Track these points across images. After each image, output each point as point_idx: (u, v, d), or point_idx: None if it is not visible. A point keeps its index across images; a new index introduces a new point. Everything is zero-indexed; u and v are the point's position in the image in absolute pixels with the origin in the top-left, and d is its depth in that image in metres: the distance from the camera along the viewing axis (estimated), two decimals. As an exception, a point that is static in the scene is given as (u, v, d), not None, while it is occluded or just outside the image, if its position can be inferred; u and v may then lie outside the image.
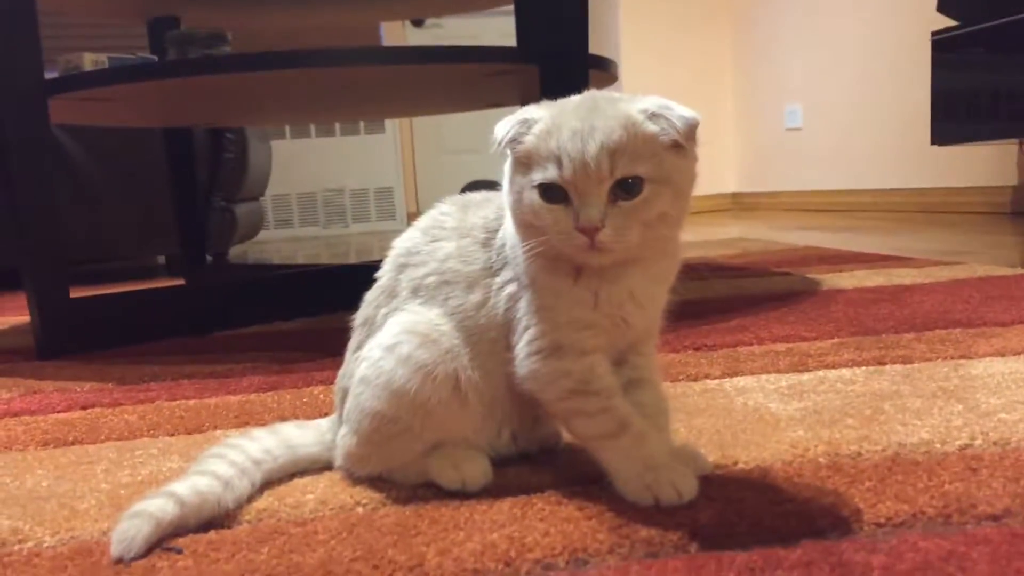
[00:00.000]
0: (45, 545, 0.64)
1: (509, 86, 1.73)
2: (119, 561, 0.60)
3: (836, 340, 1.16)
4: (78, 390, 1.20)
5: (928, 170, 3.92)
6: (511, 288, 0.67)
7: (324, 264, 2.00)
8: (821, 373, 0.99)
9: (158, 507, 0.62)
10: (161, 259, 3.43)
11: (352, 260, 3.86)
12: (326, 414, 0.96)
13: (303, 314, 1.77)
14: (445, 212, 0.74)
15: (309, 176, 5.72)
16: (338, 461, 0.74)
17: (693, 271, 2.06)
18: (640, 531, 0.58)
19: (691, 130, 0.61)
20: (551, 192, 0.60)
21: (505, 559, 0.55)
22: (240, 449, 0.73)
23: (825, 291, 1.61)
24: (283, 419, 0.96)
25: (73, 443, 0.92)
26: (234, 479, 0.69)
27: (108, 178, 2.85)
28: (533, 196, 0.61)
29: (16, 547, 0.64)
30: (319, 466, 0.76)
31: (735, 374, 1.01)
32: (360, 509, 0.67)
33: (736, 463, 0.70)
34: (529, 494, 0.67)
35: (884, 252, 2.28)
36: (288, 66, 1.42)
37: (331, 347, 1.40)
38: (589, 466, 0.67)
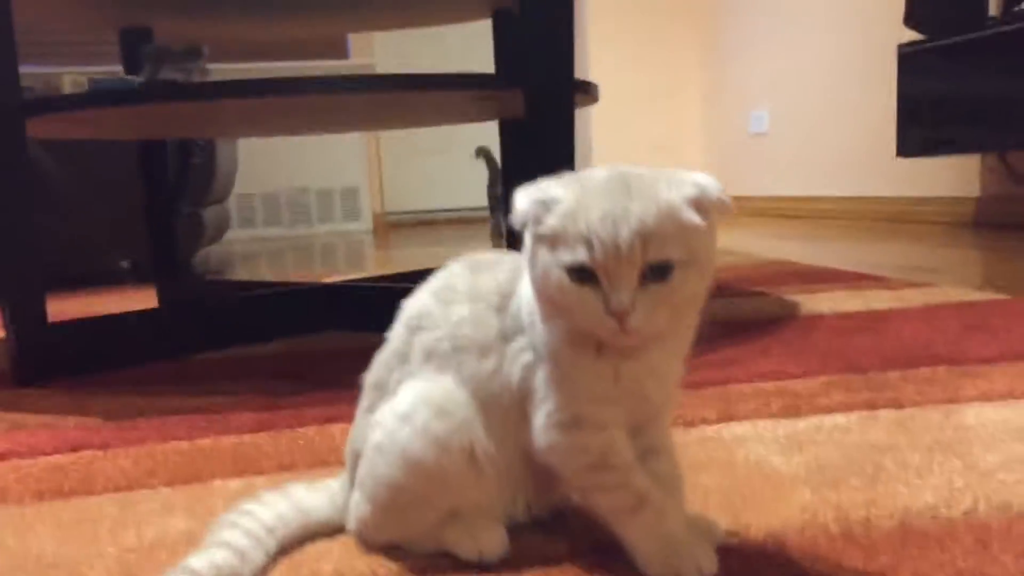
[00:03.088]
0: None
1: (488, 104, 1.73)
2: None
3: (824, 379, 1.18)
4: (63, 426, 1.18)
5: (891, 180, 3.98)
6: (527, 357, 0.67)
7: (304, 283, 1.98)
8: (816, 420, 1.00)
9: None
10: (125, 263, 3.38)
11: (317, 262, 3.84)
12: (322, 460, 0.97)
13: (281, 334, 1.76)
14: (456, 273, 0.74)
15: (274, 175, 5.67)
16: (351, 527, 0.74)
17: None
18: (666, 613, 0.59)
19: (721, 207, 0.61)
20: (580, 274, 0.60)
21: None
22: (253, 516, 0.72)
23: (804, 317, 1.63)
24: (281, 465, 0.97)
25: (70, 494, 0.91)
26: (249, 550, 0.68)
27: (72, 181, 2.80)
28: (561, 276, 0.61)
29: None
30: (330, 530, 0.76)
31: (730, 419, 1.02)
32: (378, 581, 0.67)
33: (748, 528, 0.71)
34: (547, 565, 0.67)
35: (855, 269, 2.32)
36: (265, 94, 1.41)
37: (316, 376, 1.41)
38: (602, 532, 0.68)
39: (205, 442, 1.07)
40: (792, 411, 1.04)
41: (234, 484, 0.92)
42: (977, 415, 0.98)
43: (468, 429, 0.68)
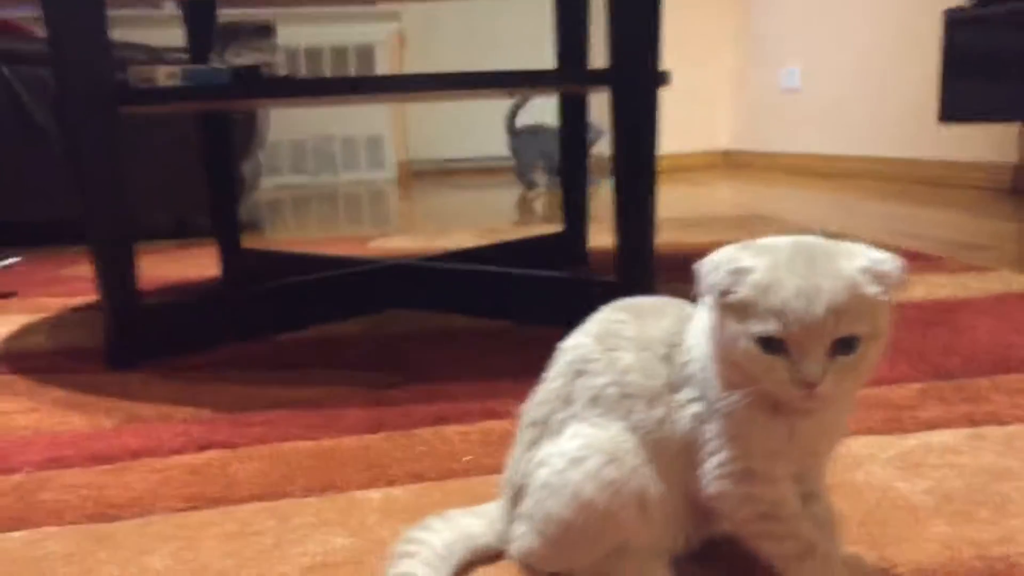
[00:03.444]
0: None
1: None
2: None
3: (917, 386, 1.21)
4: (178, 418, 1.22)
5: (927, 142, 3.98)
6: (696, 408, 0.71)
7: (380, 259, 2.01)
8: (923, 437, 1.04)
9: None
10: (171, 220, 3.39)
11: (340, 210, 3.87)
12: (450, 470, 1.00)
13: (354, 314, 1.80)
14: (619, 320, 0.77)
15: (300, 124, 5.65)
16: (516, 555, 0.78)
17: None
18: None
19: (903, 284, 0.64)
20: (769, 344, 0.63)
21: None
22: (428, 545, 0.77)
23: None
24: (412, 475, 1.01)
25: (220, 501, 0.95)
26: (431, 580, 0.73)
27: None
28: (750, 345, 0.64)
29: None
30: (490, 555, 0.80)
31: (837, 431, 1.06)
32: (557, 614, 0.71)
33: (895, 566, 0.76)
34: (712, 600, 0.72)
35: (898, 239, 2.34)
36: (360, 91, 1.43)
37: (405, 364, 1.45)
38: (746, 563, 0.72)
39: (328, 443, 1.11)
40: (896, 426, 1.08)
41: (374, 495, 0.96)
42: (1082, 436, 1.02)
43: (639, 475, 0.72)
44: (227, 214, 2.21)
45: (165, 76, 1.42)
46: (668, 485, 0.73)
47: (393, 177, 5.86)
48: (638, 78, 1.47)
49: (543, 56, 6.00)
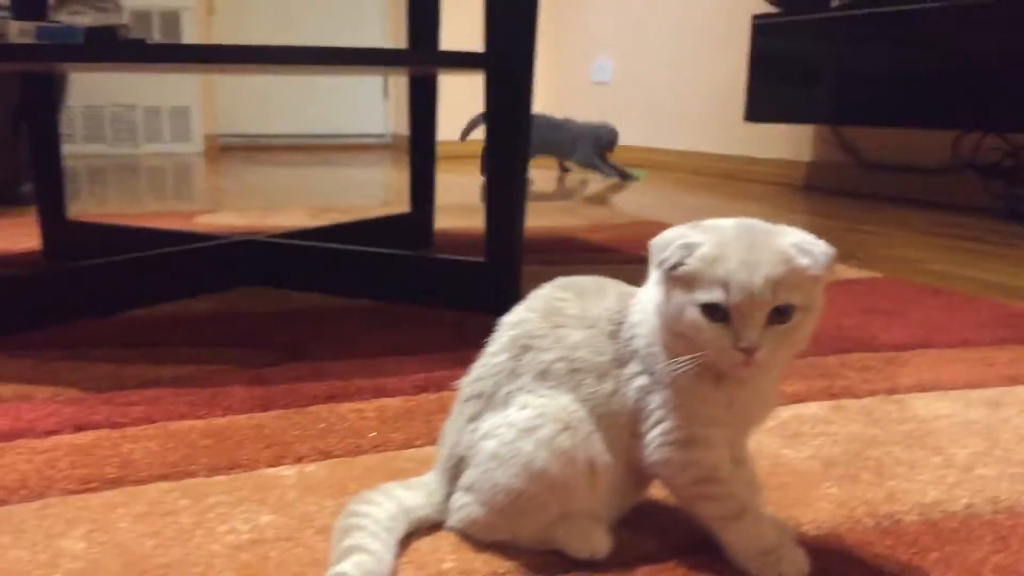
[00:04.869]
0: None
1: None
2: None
3: (776, 363, 1.32)
4: (41, 398, 1.15)
5: (734, 139, 4.24)
6: (641, 380, 0.75)
7: (228, 235, 1.94)
8: (794, 409, 1.14)
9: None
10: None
11: (143, 184, 3.69)
12: (357, 446, 1.00)
13: (208, 290, 1.74)
14: (561, 298, 0.80)
15: (97, 89, 5.31)
16: (455, 525, 0.80)
17: (589, 252, 2.18)
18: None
19: (831, 264, 0.71)
20: (714, 312, 0.69)
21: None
22: (372, 518, 0.77)
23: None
24: (319, 451, 1.00)
25: (119, 483, 0.91)
26: (382, 552, 0.74)
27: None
28: (695, 314, 0.69)
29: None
30: (428, 526, 0.82)
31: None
32: (508, 580, 0.74)
33: (802, 526, 0.83)
34: (648, 562, 0.76)
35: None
36: (242, 60, 1.38)
37: (270, 341, 1.42)
38: (677, 529, 0.78)
39: (219, 422, 1.08)
40: (767, 399, 1.17)
41: (287, 472, 0.94)
42: (926, 407, 1.15)
43: (591, 443, 0.75)
44: (50, 181, 2.07)
45: (17, 32, 1.32)
46: (615, 455, 0.77)
47: (200, 151, 5.61)
48: (513, 62, 1.50)
49: (358, 32, 5.93)
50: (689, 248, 0.70)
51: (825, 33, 3.34)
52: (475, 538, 0.79)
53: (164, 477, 0.93)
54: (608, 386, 0.76)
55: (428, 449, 0.99)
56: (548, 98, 5.72)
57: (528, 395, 0.77)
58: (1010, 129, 2.95)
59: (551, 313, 0.79)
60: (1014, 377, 1.26)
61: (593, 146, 4.08)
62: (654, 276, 0.74)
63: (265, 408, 1.13)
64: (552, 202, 3.36)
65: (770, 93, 3.59)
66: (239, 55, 1.45)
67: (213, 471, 0.95)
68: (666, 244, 0.71)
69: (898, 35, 3.06)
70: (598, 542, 0.77)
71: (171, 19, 5.40)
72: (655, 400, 0.75)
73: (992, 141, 3.10)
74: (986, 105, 2.78)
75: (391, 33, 5.93)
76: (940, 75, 2.90)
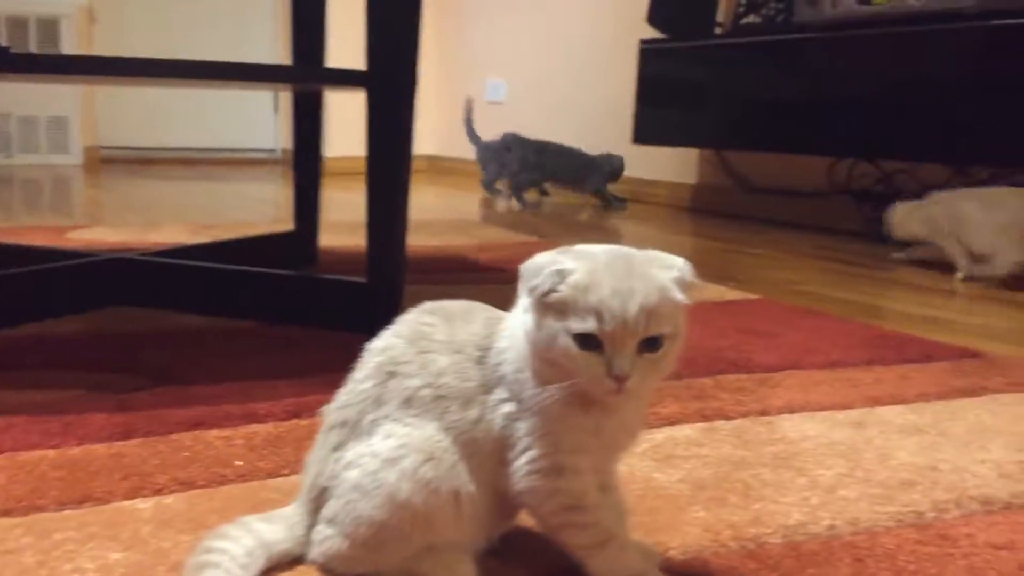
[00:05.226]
0: None
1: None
2: None
3: (653, 385, 1.33)
4: None
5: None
6: (508, 407, 0.74)
7: (99, 252, 1.86)
8: (668, 431, 1.15)
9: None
10: None
11: (16, 196, 3.53)
12: (220, 476, 0.97)
13: (77, 310, 1.67)
14: (428, 323, 0.79)
15: (-32, 96, 5.06)
16: (317, 559, 0.77)
17: (476, 272, 2.17)
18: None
19: (695, 289, 0.71)
20: (587, 341, 0.68)
21: None
22: (228, 555, 0.74)
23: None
24: (179, 481, 0.96)
25: (-42, 520, 0.85)
26: (237, 591, 0.71)
27: None
28: (568, 342, 0.68)
29: None
30: (287, 560, 0.79)
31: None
32: (369, 616, 0.72)
33: (669, 551, 0.84)
34: (516, 592, 0.75)
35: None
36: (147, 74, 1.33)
37: (144, 365, 1.36)
38: (544, 558, 0.77)
39: (75, 452, 1.03)
40: (642, 421, 1.18)
41: (143, 505, 0.90)
42: (795, 428, 1.17)
43: (455, 475, 0.74)
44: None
45: None
46: (478, 483, 0.75)
47: (79, 163, 5.41)
48: (395, 81, 1.49)
49: (247, 48, 5.81)
50: (561, 275, 0.69)
51: (709, 59, 3.43)
52: (337, 572, 0.77)
53: (7, 512, 0.87)
54: (474, 413, 0.75)
55: (295, 478, 0.96)
56: (444, 117, 5.72)
57: (393, 424, 0.75)
58: (881, 156, 3.07)
59: (417, 338, 0.78)
60: (877, 398, 1.31)
61: (606, 176, 4.08)
62: (524, 302, 0.73)
63: (126, 436, 1.08)
64: (448, 221, 3.35)
65: (656, 117, 3.67)
66: (108, 67, 1.40)
67: (63, 505, 0.90)
68: (537, 270, 0.70)
69: (778, 64, 3.16)
70: (464, 573, 0.76)
71: (49, 27, 5.20)
72: (522, 428, 0.74)
73: (864, 167, 3.23)
74: (859, 133, 2.89)
75: (283, 49, 5.84)
76: (816, 104, 3.01)
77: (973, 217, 2.31)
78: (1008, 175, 2.78)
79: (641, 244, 0.77)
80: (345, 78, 1.54)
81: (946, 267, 2.46)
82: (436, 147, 5.87)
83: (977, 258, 2.35)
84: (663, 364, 0.71)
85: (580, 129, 4.55)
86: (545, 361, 0.71)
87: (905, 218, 2.52)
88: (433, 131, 5.83)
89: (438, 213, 3.62)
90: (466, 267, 2.28)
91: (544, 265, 0.70)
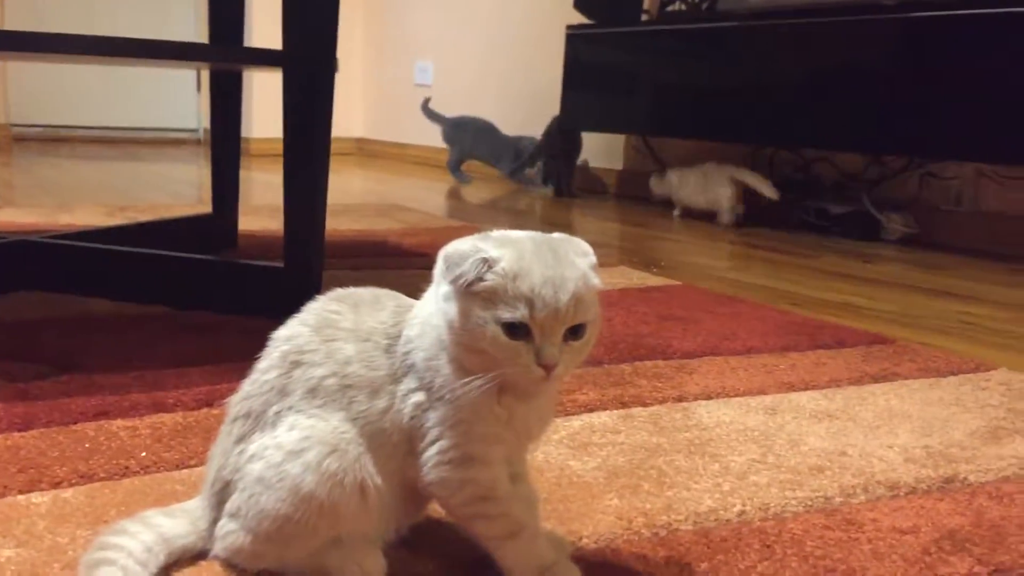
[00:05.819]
0: None
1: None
2: None
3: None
4: None
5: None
6: (417, 397, 0.73)
7: (5, 235, 1.79)
8: (585, 419, 1.14)
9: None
10: None
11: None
12: (124, 468, 0.94)
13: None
14: (335, 311, 0.77)
15: None
16: (220, 553, 0.75)
17: (399, 256, 2.14)
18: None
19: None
20: (515, 329, 0.67)
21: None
22: (125, 551, 0.71)
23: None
24: (80, 474, 0.93)
25: None
26: (134, 588, 0.68)
27: None
28: (496, 331, 0.67)
29: None
30: (190, 556, 0.76)
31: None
32: (273, 611, 0.70)
33: (581, 539, 0.83)
34: (425, 583, 0.74)
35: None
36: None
37: (47, 352, 1.31)
38: (455, 548, 0.76)
39: (-31, 443, 0.99)
40: (560, 409, 1.17)
41: (39, 499, 0.87)
42: (709, 414, 1.18)
43: (361, 466, 0.72)
44: None
45: None
46: (385, 474, 0.74)
47: (-12, 143, 5.21)
48: (313, 61, 1.45)
49: (167, 26, 5.66)
50: (487, 263, 0.67)
51: (635, 46, 3.44)
52: (241, 567, 0.75)
53: None
54: (382, 403, 0.73)
55: (202, 470, 0.93)
56: (373, 98, 5.65)
57: (297, 415, 0.74)
58: (801, 144, 3.12)
59: (323, 326, 0.76)
60: (791, 384, 1.32)
61: (515, 158, 4.07)
62: (443, 290, 0.71)
63: (25, 427, 1.04)
64: (371, 204, 3.31)
65: (583, 102, 3.67)
66: (15, 42, 1.34)
67: (-47, 500, 0.86)
68: (461, 258, 0.68)
69: (702, 52, 3.19)
70: (371, 565, 0.74)
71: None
72: (432, 417, 0.72)
73: (785, 156, 3.28)
74: (781, 122, 2.93)
75: (204, 28, 5.70)
76: (739, 91, 3.04)
77: (689, 183, 3.29)
78: (921, 164, 2.85)
79: (565, 229, 0.76)
80: (261, 57, 1.50)
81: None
82: (365, 130, 5.80)
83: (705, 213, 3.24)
84: (585, 350, 0.71)
85: (508, 113, 4.53)
86: (469, 351, 0.69)
87: (656, 186, 3.49)
88: (362, 114, 5.77)
89: (363, 197, 3.58)
90: (389, 251, 2.25)
91: (467, 253, 0.68)
